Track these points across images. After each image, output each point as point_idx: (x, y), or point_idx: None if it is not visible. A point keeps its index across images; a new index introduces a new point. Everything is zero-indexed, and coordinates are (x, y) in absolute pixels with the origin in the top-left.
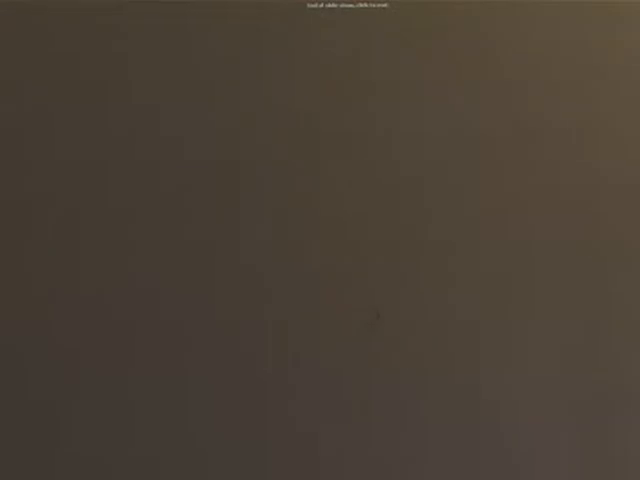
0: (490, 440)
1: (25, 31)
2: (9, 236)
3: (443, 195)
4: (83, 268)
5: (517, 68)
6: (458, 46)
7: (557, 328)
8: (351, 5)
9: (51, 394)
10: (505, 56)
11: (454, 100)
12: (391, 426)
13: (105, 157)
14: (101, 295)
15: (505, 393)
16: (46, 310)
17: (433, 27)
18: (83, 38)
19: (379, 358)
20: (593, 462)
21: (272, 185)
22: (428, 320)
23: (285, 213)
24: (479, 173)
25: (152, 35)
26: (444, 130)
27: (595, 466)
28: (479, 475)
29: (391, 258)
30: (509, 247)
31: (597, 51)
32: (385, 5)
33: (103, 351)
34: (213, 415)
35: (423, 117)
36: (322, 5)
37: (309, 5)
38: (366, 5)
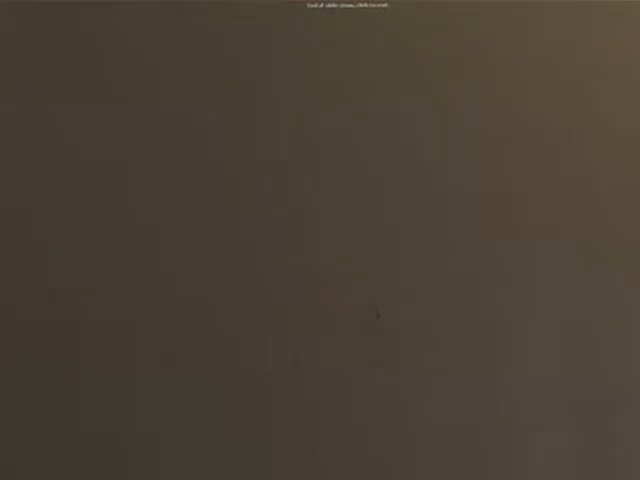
0: (490, 440)
1: (25, 31)
2: (9, 236)
3: (443, 195)
4: (83, 268)
5: (517, 68)
6: (458, 46)
7: (557, 328)
8: (351, 5)
9: (51, 394)
10: (505, 56)
11: (454, 100)
12: (391, 426)
13: (105, 157)
14: (101, 295)
15: (505, 393)
16: (46, 310)
17: (433, 27)
18: (83, 38)
19: (379, 358)
20: (593, 462)
21: (272, 185)
22: (428, 320)
23: (285, 213)
24: (479, 173)
25: (152, 35)
26: (444, 130)
27: (595, 466)
28: (479, 475)
29: (391, 258)
30: (509, 247)
31: (597, 51)
32: (385, 5)
33: (103, 351)
34: (213, 415)
35: (423, 117)
36: (322, 5)
37: (309, 5)
38: (366, 5)
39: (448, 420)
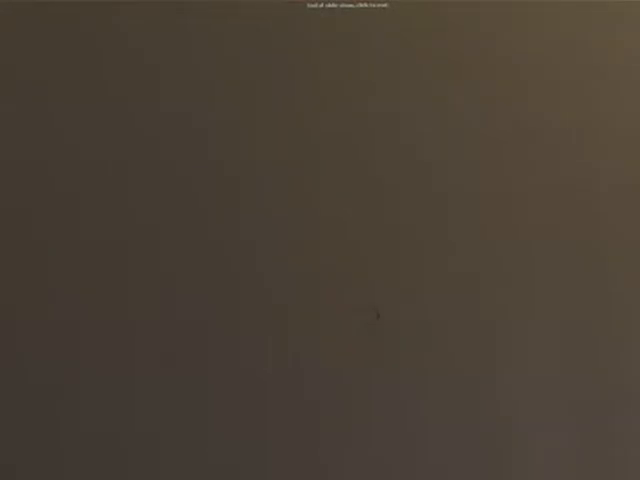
0: (490, 440)
1: (25, 31)
2: (9, 236)
3: (443, 195)
4: (83, 268)
5: (517, 68)
6: (458, 46)
7: (557, 328)
8: (351, 5)
9: (51, 394)
10: (505, 56)
11: (454, 100)
12: (391, 426)
13: (105, 157)
14: (101, 295)
15: (505, 393)
16: (46, 310)
17: (433, 27)
18: (83, 38)
19: (379, 358)
20: (593, 462)
21: (272, 185)
22: (428, 320)
23: (285, 213)
24: (479, 173)
25: (152, 35)
26: (444, 130)
27: (595, 466)
28: (479, 475)
29: (391, 258)
30: (509, 247)
31: (597, 51)
32: (385, 5)
33: (103, 351)
34: (213, 415)
35: (423, 117)
36: (322, 5)
37: (309, 5)
38: (366, 5)
39: (448, 420)
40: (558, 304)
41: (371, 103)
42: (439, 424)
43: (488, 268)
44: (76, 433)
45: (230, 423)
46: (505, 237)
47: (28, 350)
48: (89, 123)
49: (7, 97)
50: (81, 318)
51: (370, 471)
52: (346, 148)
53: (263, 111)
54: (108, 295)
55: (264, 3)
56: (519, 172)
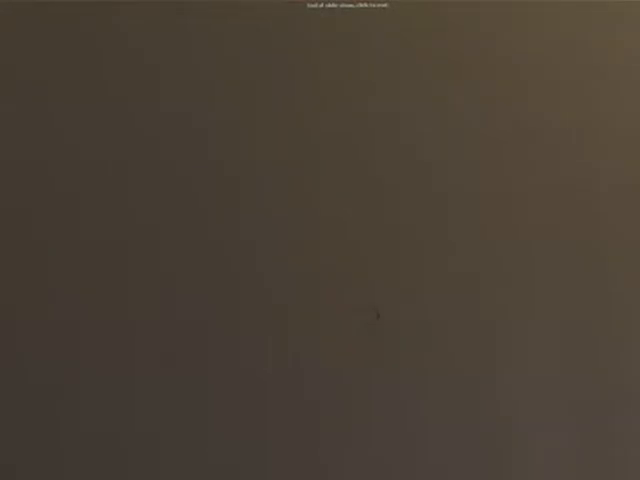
0: (490, 440)
1: (25, 31)
2: (9, 236)
3: (443, 195)
4: (83, 268)
5: (517, 68)
6: (458, 46)
7: (557, 328)
8: (351, 5)
9: (51, 394)
10: (505, 56)
11: (454, 100)
12: (391, 426)
13: (105, 157)
14: (101, 295)
15: (505, 393)
16: (46, 310)
17: (433, 27)
18: (83, 38)
19: (379, 358)
20: (593, 462)
21: (272, 185)
22: (428, 320)
23: (285, 213)
24: (479, 173)
25: (152, 35)
26: (444, 130)
27: (595, 466)
28: (479, 475)
29: (391, 258)
30: (509, 247)
31: (597, 51)
32: (385, 5)
33: (103, 351)
34: (213, 415)
35: (423, 117)
36: (322, 5)
37: (309, 5)
38: (366, 5)
39: (448, 420)
40: (558, 304)
41: (371, 103)
42: (439, 424)
43: (488, 268)
44: (76, 433)
45: (230, 423)
46: (505, 237)
47: (28, 350)
48: (89, 123)
49: (7, 97)
50: (81, 318)
51: (370, 471)
52: (346, 148)
53: (263, 111)
54: (108, 295)
55: (264, 3)
56: (519, 172)
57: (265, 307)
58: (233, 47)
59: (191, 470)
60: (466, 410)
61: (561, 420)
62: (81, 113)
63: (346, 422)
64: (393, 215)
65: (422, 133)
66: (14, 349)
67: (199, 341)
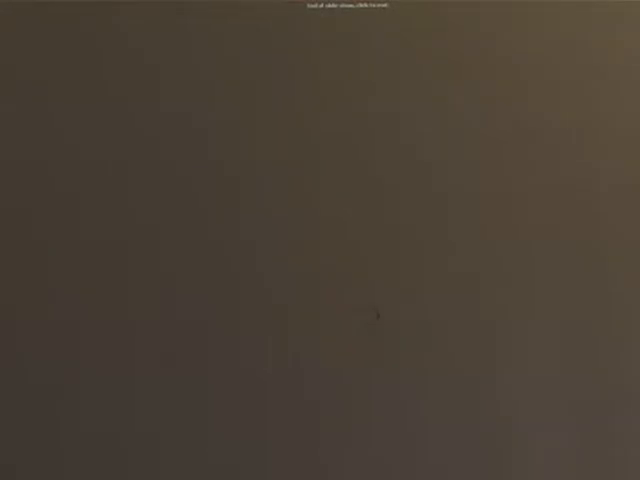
0: (490, 440)
1: (25, 31)
2: (9, 236)
3: (443, 195)
4: (83, 268)
5: (517, 68)
6: (458, 46)
7: (557, 328)
8: (351, 5)
9: (51, 394)
10: (505, 56)
11: (454, 100)
12: (391, 426)
13: (105, 157)
14: (101, 295)
15: (505, 393)
16: (46, 310)
17: (433, 27)
18: (83, 38)
19: (379, 358)
20: (593, 462)
21: (272, 185)
22: (428, 320)
23: (285, 213)
24: (479, 173)
25: (152, 35)
26: (444, 130)
27: (595, 466)
28: (479, 475)
29: (391, 258)
30: (509, 247)
31: (597, 51)
32: (385, 5)
33: (103, 351)
34: (213, 415)
35: (423, 117)
36: (322, 5)
37: (309, 5)
38: (366, 5)
39: (448, 420)
40: (558, 304)
41: (371, 103)
42: (439, 424)
43: (488, 268)
44: (76, 433)
45: (230, 423)
46: (505, 237)
47: (28, 350)
48: (89, 123)
49: (7, 97)
50: (81, 318)
51: (370, 471)
52: (346, 148)
53: (263, 111)
54: (108, 295)
55: (264, 3)
56: (519, 172)
57: (265, 307)
58: (233, 47)
59: (191, 470)
60: (466, 410)
61: (561, 420)
62: (81, 113)
63: (346, 422)
64: (393, 215)
65: (422, 133)
66: (14, 349)
67: (199, 341)
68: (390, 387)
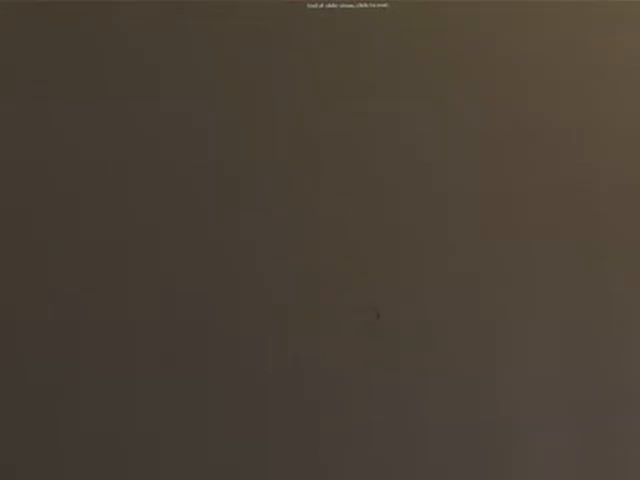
0: (490, 440)
1: (25, 31)
2: (9, 236)
3: (443, 195)
4: (83, 268)
5: (517, 68)
6: (458, 46)
7: (557, 328)
8: (351, 5)
9: (51, 394)
10: (505, 56)
11: (454, 100)
12: (391, 426)
13: (105, 157)
14: (101, 295)
15: (505, 393)
16: (46, 310)
17: (433, 27)
18: (83, 38)
19: (379, 358)
20: (593, 462)
21: (272, 185)
22: (428, 320)
23: (285, 213)
24: (479, 173)
25: (152, 35)
26: (444, 130)
27: (595, 466)
28: (479, 475)
29: (391, 258)
30: (509, 247)
31: (597, 51)
32: (385, 5)
33: (103, 351)
34: (213, 415)
35: (423, 117)
36: (322, 5)
37: (309, 5)
38: (366, 5)
39: (448, 420)
40: (558, 304)
41: (371, 103)
42: (439, 424)
43: (488, 268)
44: (76, 433)
45: (230, 423)
46: (505, 237)
47: (28, 350)
48: (89, 123)
49: (7, 97)
50: (81, 318)
51: (370, 471)
52: (346, 148)
53: (263, 111)
54: (108, 295)
55: (264, 3)
56: (519, 172)
57: (265, 307)
58: (233, 47)
59: (191, 470)
60: (466, 410)
61: (561, 420)
62: (81, 113)
63: (346, 422)
64: (393, 215)
65: (422, 133)
66: (14, 349)
67: (199, 341)
68: (390, 387)
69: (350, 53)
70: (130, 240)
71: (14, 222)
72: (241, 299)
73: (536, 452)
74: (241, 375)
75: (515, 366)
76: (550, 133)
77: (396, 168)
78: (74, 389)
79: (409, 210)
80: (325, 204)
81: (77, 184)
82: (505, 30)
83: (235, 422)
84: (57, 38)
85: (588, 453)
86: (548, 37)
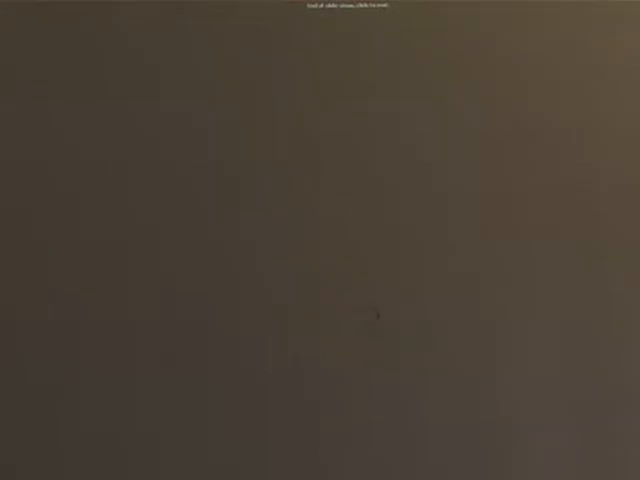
0: (490, 440)
1: (25, 31)
2: (9, 236)
3: (443, 195)
4: (83, 268)
5: (517, 68)
6: (458, 46)
7: (557, 328)
8: (351, 5)
9: (51, 394)
10: (505, 56)
11: (454, 100)
12: (391, 426)
13: (105, 157)
14: (101, 295)
15: (505, 393)
16: (46, 310)
17: (433, 27)
18: (83, 38)
19: (379, 358)
20: (593, 462)
21: (272, 185)
22: (428, 320)
23: (285, 213)
24: (479, 173)
25: (152, 35)
26: (444, 130)
27: (595, 466)
28: (479, 475)
29: (391, 258)
30: (509, 247)
31: (597, 51)
32: (385, 5)
33: (103, 351)
34: (213, 415)
35: (423, 117)
36: (322, 5)
37: (309, 5)
38: (366, 5)
39: (448, 420)
40: (558, 304)
41: (371, 103)
42: (439, 424)
43: (488, 268)
44: (76, 433)
45: (230, 423)
46: (505, 237)
47: (28, 350)
48: (89, 123)
49: (7, 97)
50: (81, 318)
51: (370, 471)
52: (346, 148)
53: (263, 111)
54: (108, 295)
55: (264, 3)
56: (519, 172)
57: (265, 307)
58: (233, 47)
59: (191, 470)
60: (466, 410)
61: (561, 420)
62: (81, 113)
63: (346, 422)
64: (393, 215)
65: (422, 133)
66: (14, 349)
67: (199, 341)
68: (390, 387)
69: (350, 53)
70: (130, 240)
71: (14, 222)
72: (241, 299)
73: (536, 452)
74: (241, 375)
75: (515, 366)
76: (550, 133)
77: (396, 168)
78: (74, 389)
79: (409, 210)
80: (325, 204)
81: (77, 184)
82: (505, 30)
83: (235, 422)
84: (57, 38)
85: (588, 453)
86: (548, 37)
